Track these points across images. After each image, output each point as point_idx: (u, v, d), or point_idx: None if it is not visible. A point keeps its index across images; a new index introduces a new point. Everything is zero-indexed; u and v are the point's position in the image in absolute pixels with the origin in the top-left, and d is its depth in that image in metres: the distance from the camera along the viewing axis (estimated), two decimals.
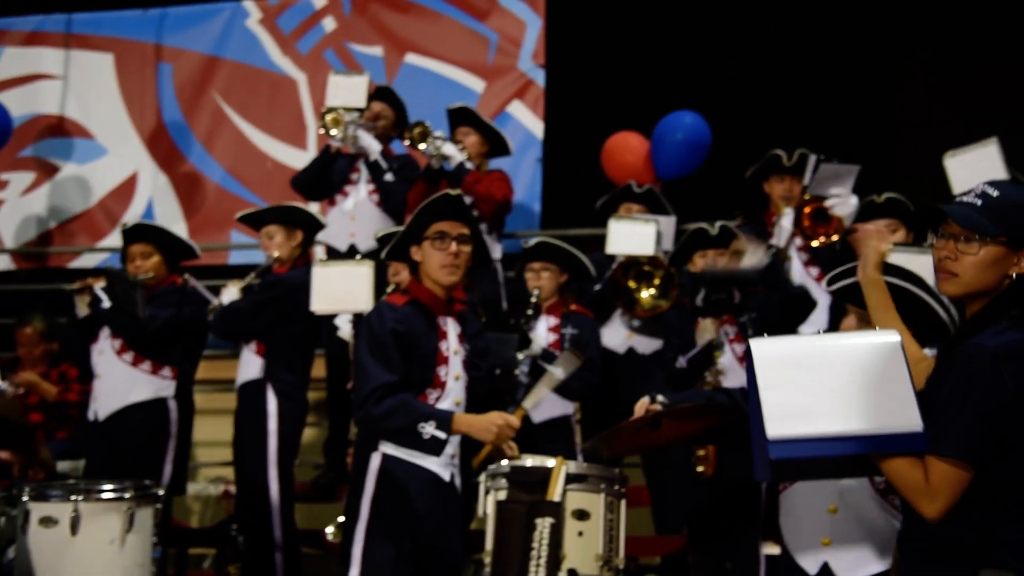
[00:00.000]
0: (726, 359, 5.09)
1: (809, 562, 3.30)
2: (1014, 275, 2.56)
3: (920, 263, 4.51)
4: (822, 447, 2.41)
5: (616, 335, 5.83)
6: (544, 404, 5.49)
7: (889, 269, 3.32)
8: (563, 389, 5.39)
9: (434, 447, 3.90)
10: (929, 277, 4.26)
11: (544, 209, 7.86)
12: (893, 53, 8.24)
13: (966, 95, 7.67)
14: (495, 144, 6.50)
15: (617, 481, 3.81)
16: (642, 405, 3.45)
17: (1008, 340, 2.46)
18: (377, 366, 3.90)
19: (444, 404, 4.06)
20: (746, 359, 2.56)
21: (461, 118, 6.48)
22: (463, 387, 4.16)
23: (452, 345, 4.12)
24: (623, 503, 3.81)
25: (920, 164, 6.27)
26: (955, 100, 7.74)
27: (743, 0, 8.25)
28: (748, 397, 2.58)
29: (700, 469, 4.88)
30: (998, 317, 2.52)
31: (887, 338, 2.50)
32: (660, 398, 3.47)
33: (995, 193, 2.58)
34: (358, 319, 5.01)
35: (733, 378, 4.97)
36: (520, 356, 5.32)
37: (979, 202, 2.57)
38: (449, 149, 6.16)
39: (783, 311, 5.18)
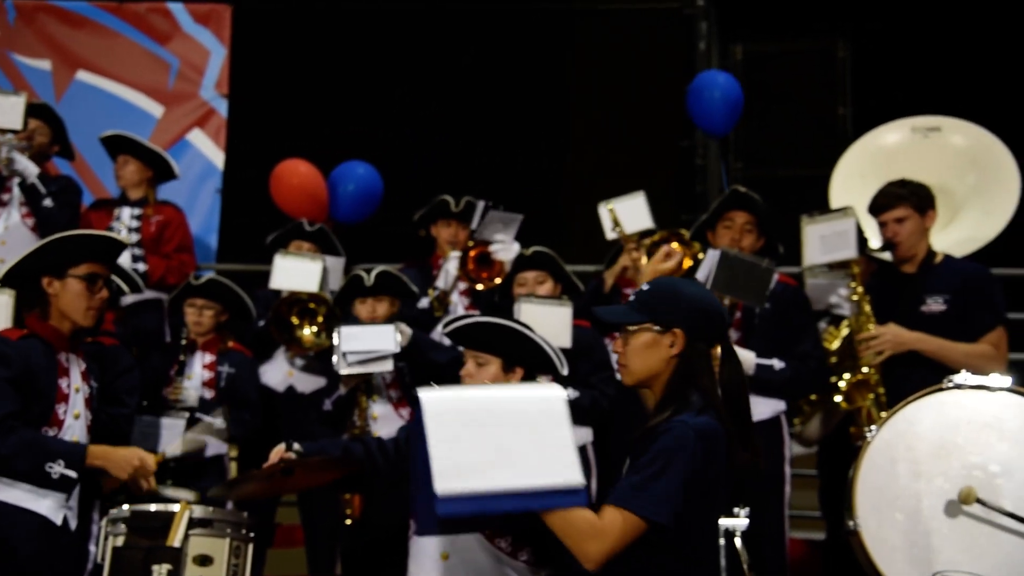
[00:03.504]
0: (381, 407, 5.09)
1: None
2: (676, 355, 2.74)
3: (555, 314, 4.79)
4: (489, 503, 2.40)
5: (277, 373, 5.71)
6: None
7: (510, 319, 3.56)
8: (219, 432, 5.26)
9: (64, 486, 3.69)
10: (553, 327, 4.54)
11: (221, 242, 7.66)
12: (560, 112, 8.69)
13: (624, 151, 8.18)
14: (159, 169, 6.25)
15: (245, 525, 3.72)
16: (277, 452, 3.42)
17: (703, 422, 2.64)
18: None
19: None
20: (414, 410, 2.56)
21: (117, 146, 6.19)
22: (84, 425, 3.93)
23: (74, 382, 3.91)
24: (251, 547, 3.73)
25: (581, 214, 6.59)
26: (614, 157, 8.22)
27: (421, 47, 8.41)
28: (415, 447, 2.54)
29: (348, 512, 4.88)
30: (678, 397, 2.70)
31: (550, 392, 2.54)
32: (296, 446, 3.46)
33: (646, 287, 2.81)
34: None
35: (386, 424, 4.97)
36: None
37: (632, 298, 2.81)
38: (22, 164, 5.77)
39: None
